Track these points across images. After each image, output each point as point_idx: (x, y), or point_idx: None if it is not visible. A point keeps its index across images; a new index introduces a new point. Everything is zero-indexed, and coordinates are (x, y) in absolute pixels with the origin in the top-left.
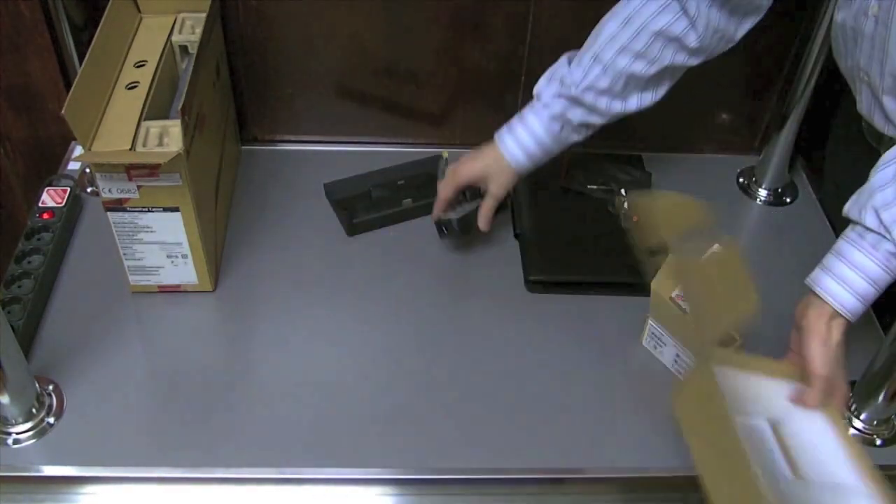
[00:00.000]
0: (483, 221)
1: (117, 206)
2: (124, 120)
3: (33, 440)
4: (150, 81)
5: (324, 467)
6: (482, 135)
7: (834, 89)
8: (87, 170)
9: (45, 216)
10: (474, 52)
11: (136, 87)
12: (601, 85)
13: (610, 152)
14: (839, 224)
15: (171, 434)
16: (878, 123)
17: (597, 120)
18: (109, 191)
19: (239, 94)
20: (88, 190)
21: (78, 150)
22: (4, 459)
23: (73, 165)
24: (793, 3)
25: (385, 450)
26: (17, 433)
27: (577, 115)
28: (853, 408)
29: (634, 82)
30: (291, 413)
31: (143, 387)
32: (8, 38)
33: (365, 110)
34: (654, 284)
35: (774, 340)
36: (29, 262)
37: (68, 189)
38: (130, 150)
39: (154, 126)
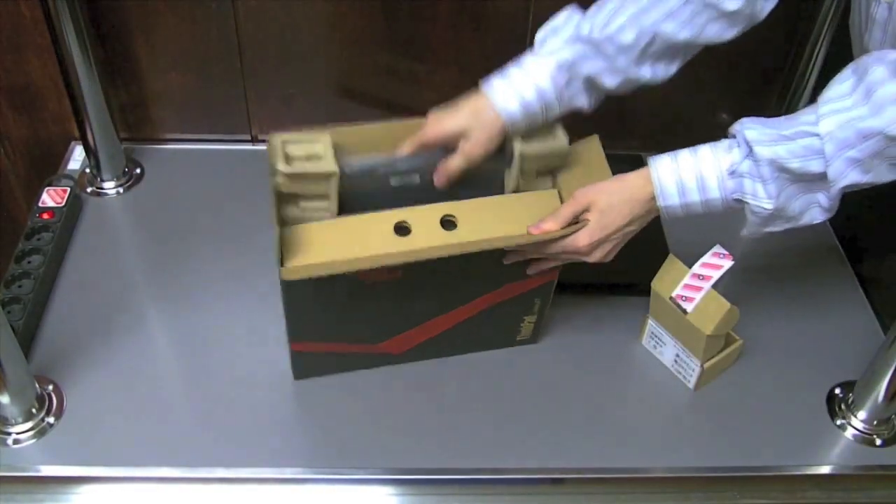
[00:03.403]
0: (440, 177)
1: None
2: None
3: (33, 440)
4: None
5: (324, 467)
6: None
7: None
8: (87, 169)
9: (45, 216)
10: (474, 51)
11: None
12: (624, 39)
13: (610, 152)
14: (838, 225)
15: (171, 434)
16: None
17: (608, 82)
18: None
19: (239, 94)
20: (88, 190)
21: (78, 150)
22: (4, 459)
23: (74, 165)
24: (793, 3)
25: (385, 450)
26: (17, 433)
27: (590, 66)
28: (853, 407)
29: (657, 46)
30: (291, 413)
31: (142, 387)
32: (8, 38)
33: (365, 110)
34: (654, 284)
35: (775, 340)
36: (29, 262)
37: (68, 189)
38: None
39: None
